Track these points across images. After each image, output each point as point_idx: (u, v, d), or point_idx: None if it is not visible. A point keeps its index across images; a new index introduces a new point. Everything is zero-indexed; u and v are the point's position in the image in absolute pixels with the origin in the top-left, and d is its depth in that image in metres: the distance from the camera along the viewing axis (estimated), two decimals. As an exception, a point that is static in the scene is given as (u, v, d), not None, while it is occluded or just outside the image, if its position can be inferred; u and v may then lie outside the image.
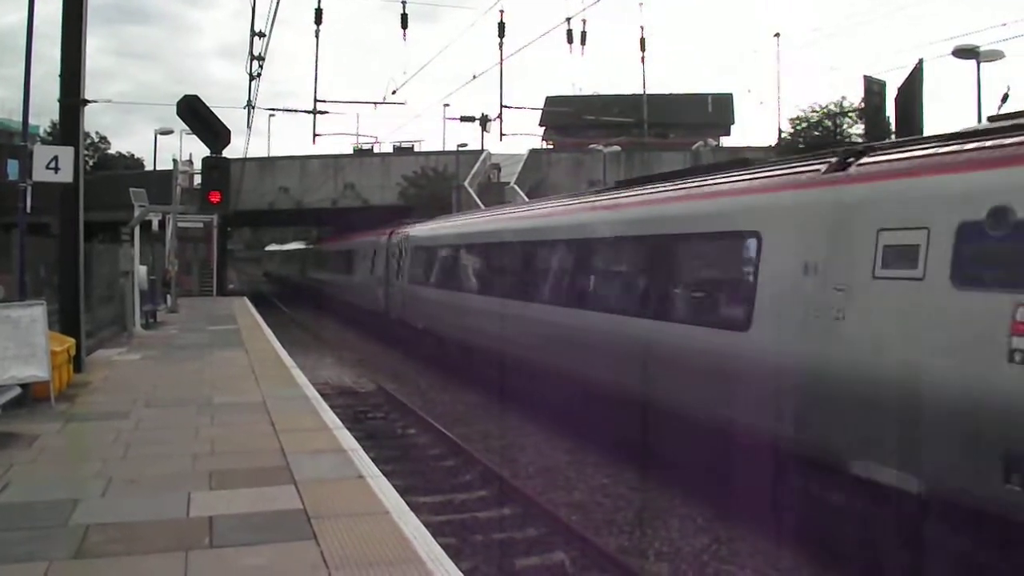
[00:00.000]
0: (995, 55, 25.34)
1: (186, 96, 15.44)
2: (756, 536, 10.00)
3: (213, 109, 15.54)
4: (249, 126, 31.34)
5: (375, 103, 33.27)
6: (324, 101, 45.76)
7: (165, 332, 23.46)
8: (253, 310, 32.52)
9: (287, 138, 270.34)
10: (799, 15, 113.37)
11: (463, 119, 48.68)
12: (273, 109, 66.15)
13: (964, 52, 25.27)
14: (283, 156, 57.78)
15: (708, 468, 10.94)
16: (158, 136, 47.88)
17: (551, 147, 67.76)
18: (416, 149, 62.53)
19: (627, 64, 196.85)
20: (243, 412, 11.38)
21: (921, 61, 25.28)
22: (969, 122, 26.39)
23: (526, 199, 40.13)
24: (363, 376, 23.33)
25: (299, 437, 9.78)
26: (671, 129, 69.01)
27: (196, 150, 74.75)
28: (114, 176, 56.12)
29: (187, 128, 18.00)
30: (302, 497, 7.27)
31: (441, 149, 60.62)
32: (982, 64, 25.35)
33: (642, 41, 50.75)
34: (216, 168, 15.57)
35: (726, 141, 69.72)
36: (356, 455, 8.95)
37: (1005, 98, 22.21)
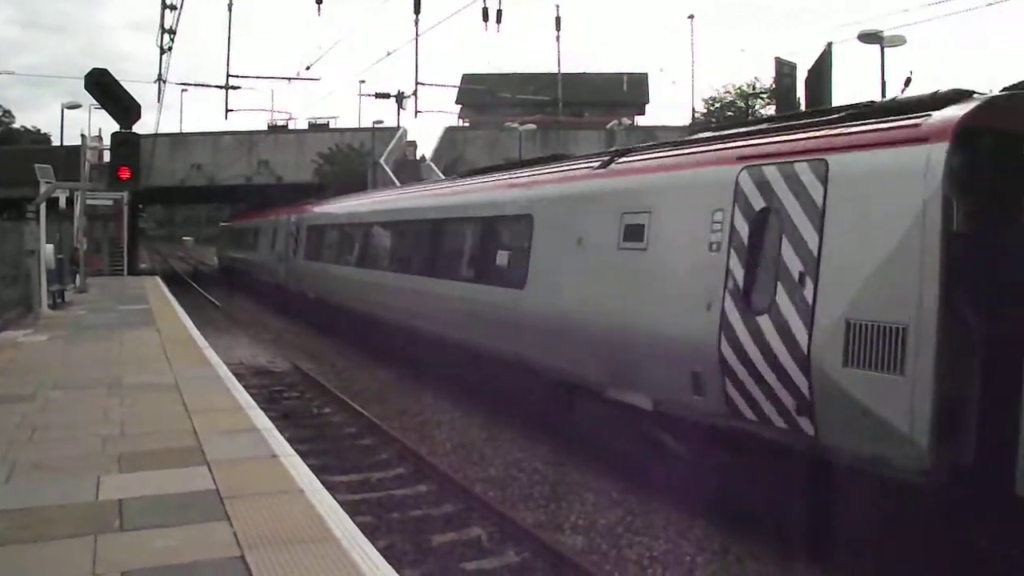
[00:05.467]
0: (898, 40, 25.96)
1: (94, 69, 15.09)
2: (669, 507, 10.21)
3: (124, 84, 15.20)
4: (160, 101, 30.69)
5: (289, 79, 32.83)
6: (237, 76, 44.82)
7: (73, 312, 22.91)
8: (165, 290, 31.93)
9: (200, 114, 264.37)
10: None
11: (378, 96, 48.18)
12: (185, 84, 64.33)
13: (869, 37, 25.85)
14: (195, 132, 56.70)
15: None
16: (66, 110, 46.54)
17: (467, 124, 67.59)
18: (331, 126, 61.86)
19: (543, 43, 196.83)
20: (154, 393, 11.19)
21: (830, 44, 25.84)
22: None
23: (441, 176, 40.43)
24: (278, 355, 23.13)
25: (212, 417, 9.65)
26: (587, 108, 69.39)
27: (106, 126, 72.76)
28: (19, 151, 54.50)
29: (97, 103, 17.57)
30: (215, 477, 7.20)
31: (357, 126, 60.08)
32: (886, 49, 25.94)
33: (557, 20, 51.02)
34: (126, 144, 15.26)
35: (641, 120, 70.44)
36: (270, 434, 8.88)
37: (908, 82, 22.81)
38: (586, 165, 12.94)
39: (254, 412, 10.04)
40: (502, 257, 14.71)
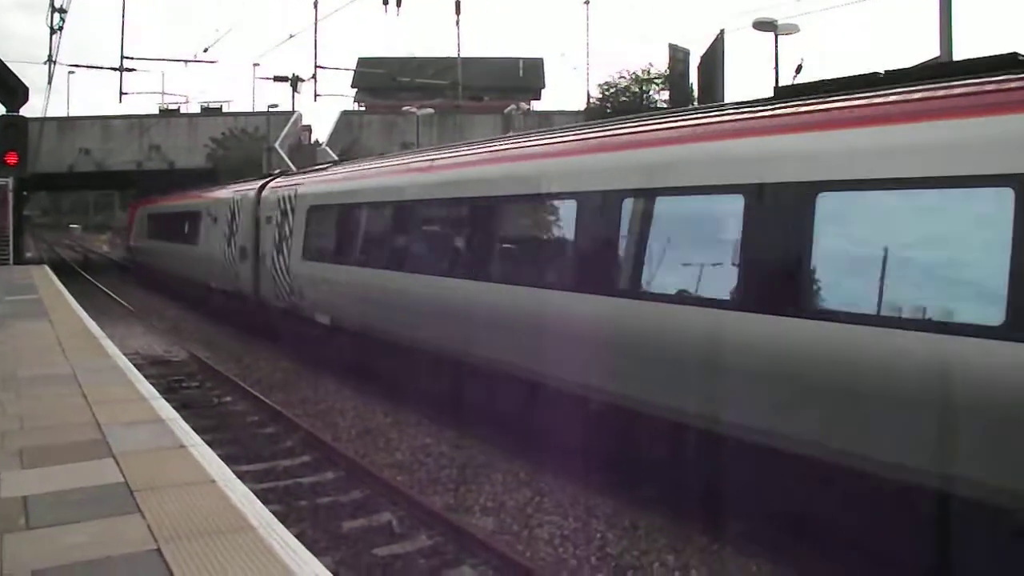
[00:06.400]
0: (791, 28, 26.61)
1: (-23, 51, 14.54)
2: (577, 487, 10.40)
3: (11, 64, 14.70)
4: (50, 83, 29.66)
5: (186, 61, 32.20)
6: (132, 58, 43.66)
7: (-43, 303, 22.09)
8: (55, 279, 30.96)
9: (91, 97, 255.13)
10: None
11: (276, 79, 47.56)
12: (75, 65, 61.83)
13: (763, 25, 26.45)
14: (84, 116, 54.90)
15: None
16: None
17: (363, 108, 67.04)
18: (225, 110, 60.66)
19: (444, 27, 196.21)
20: (52, 385, 10.88)
21: (722, 31, 26.45)
22: (766, 91, 27.87)
23: (335, 158, 40.12)
24: (175, 344, 22.70)
25: (114, 409, 9.45)
26: (483, 92, 69.50)
27: (-12, 109, 69.93)
28: None
29: (-21, 85, 16.95)
30: (122, 470, 7.07)
31: (251, 110, 59.08)
32: (779, 37, 26.56)
33: (457, 4, 50.78)
34: (12, 127, 14.79)
35: (537, 105, 70.90)
36: (175, 424, 8.74)
37: (799, 69, 23.55)
38: None
39: (157, 403, 9.86)
40: None
